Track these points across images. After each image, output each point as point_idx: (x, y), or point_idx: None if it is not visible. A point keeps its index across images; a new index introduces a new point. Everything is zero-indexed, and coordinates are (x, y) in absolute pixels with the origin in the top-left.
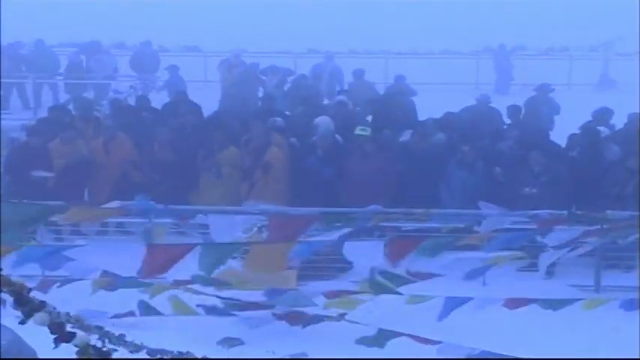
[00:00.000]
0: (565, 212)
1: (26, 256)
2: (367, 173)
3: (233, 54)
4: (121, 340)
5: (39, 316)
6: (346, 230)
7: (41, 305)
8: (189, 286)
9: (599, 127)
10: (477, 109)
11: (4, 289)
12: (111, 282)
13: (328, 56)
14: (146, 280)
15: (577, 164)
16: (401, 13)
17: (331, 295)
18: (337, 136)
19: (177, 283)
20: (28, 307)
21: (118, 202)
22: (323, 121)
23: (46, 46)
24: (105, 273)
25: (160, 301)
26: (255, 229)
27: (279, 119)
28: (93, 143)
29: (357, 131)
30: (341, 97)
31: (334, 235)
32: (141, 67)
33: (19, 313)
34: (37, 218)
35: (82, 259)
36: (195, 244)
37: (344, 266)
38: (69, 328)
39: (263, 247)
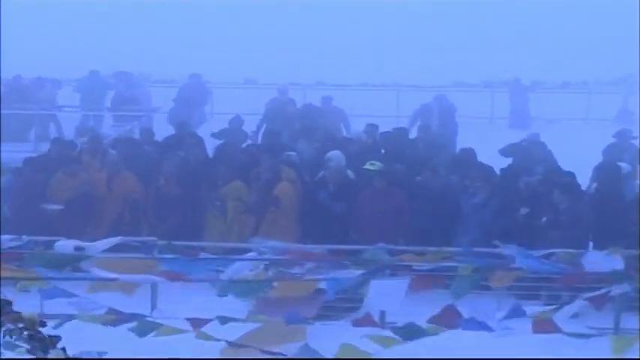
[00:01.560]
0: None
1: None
2: (377, 210)
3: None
4: None
5: (55, 352)
6: (359, 271)
7: (54, 341)
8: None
9: (619, 164)
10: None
11: (16, 325)
12: (117, 319)
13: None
14: (155, 319)
15: (597, 202)
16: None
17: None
18: (349, 171)
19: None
20: (40, 343)
21: (120, 237)
22: (335, 155)
23: (100, 76)
24: (111, 310)
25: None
26: (262, 266)
27: (293, 154)
28: (96, 177)
29: (367, 166)
30: (356, 132)
31: (347, 275)
32: (188, 100)
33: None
34: (65, 265)
35: (86, 295)
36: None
37: (353, 306)
38: None
39: (287, 285)
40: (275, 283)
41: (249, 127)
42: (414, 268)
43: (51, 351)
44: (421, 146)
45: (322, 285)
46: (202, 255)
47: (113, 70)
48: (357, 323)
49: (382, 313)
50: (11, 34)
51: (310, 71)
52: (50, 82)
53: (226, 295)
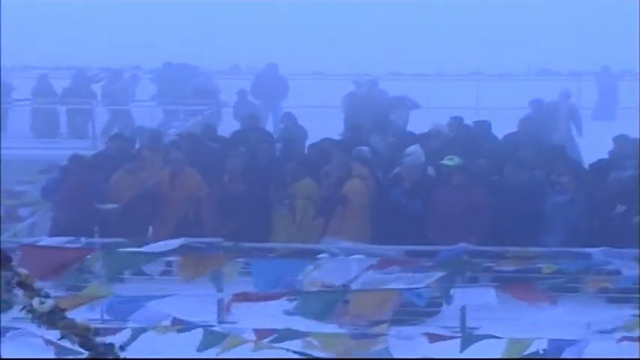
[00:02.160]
0: None
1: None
2: (456, 208)
3: (366, 81)
4: None
5: None
6: (438, 274)
7: (109, 349)
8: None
9: None
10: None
11: (69, 332)
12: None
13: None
14: (220, 329)
15: None
16: (491, 33)
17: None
18: (430, 168)
19: (258, 334)
20: (94, 351)
21: (183, 239)
22: (413, 150)
23: (176, 67)
24: (175, 320)
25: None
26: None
27: (365, 148)
28: (159, 176)
29: (444, 161)
30: (436, 125)
31: (422, 278)
32: (264, 93)
33: None
34: (129, 267)
35: (150, 305)
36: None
37: (432, 310)
38: None
39: (366, 294)
40: (351, 295)
41: (310, 121)
42: (497, 270)
43: None
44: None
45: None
46: (270, 256)
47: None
48: (433, 339)
49: (462, 319)
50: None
51: (384, 62)
52: (128, 73)
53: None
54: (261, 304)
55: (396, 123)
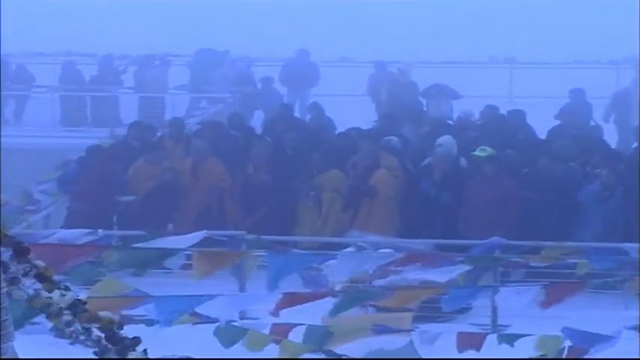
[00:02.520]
0: None
1: None
2: (487, 200)
3: (400, 69)
4: None
5: (134, 354)
6: (464, 268)
7: (135, 342)
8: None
9: None
10: None
11: (94, 325)
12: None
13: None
14: (239, 324)
15: None
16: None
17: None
18: (462, 159)
19: (277, 331)
20: (120, 344)
21: (205, 231)
22: (445, 141)
23: (213, 52)
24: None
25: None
26: (370, 269)
27: (394, 138)
28: (180, 166)
29: (476, 152)
30: (463, 113)
31: (450, 272)
32: (294, 80)
33: None
34: (150, 263)
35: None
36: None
37: (462, 307)
38: None
39: (406, 294)
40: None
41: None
42: (530, 265)
43: (131, 353)
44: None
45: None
46: (294, 250)
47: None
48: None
49: (493, 317)
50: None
51: (414, 48)
52: (160, 59)
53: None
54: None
55: (434, 113)
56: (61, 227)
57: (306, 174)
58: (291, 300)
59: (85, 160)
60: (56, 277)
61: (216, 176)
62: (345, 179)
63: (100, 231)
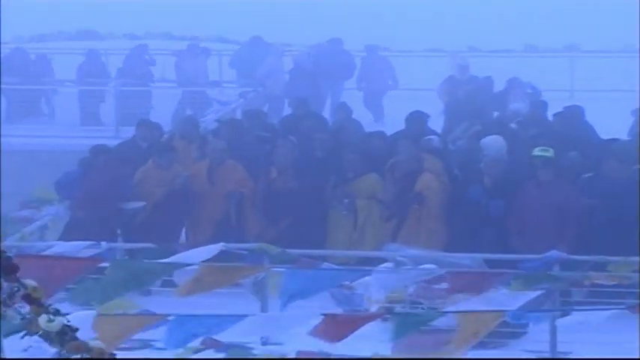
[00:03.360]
0: None
1: None
2: (545, 209)
3: (459, 67)
4: None
5: None
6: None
7: None
8: None
9: None
10: None
11: (83, 355)
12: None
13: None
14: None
15: None
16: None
17: None
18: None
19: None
20: None
21: (222, 244)
22: (494, 141)
23: (264, 44)
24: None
25: None
26: (410, 287)
27: (434, 138)
28: (194, 169)
29: (536, 152)
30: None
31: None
32: (326, 72)
33: None
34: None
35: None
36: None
37: (516, 331)
38: None
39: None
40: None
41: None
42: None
43: None
44: None
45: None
46: (325, 266)
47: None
48: None
49: (552, 343)
50: None
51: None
52: (201, 50)
53: None
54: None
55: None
56: (59, 239)
57: (338, 178)
58: (335, 323)
59: (88, 162)
60: (56, 295)
61: (235, 181)
62: (382, 184)
63: (103, 243)
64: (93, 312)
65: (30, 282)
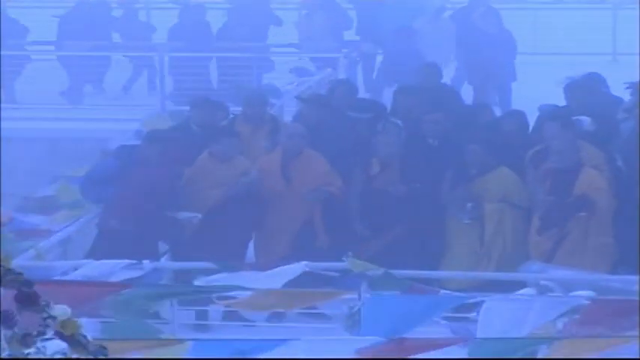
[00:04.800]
0: None
1: None
2: None
3: None
4: None
5: None
6: None
7: None
8: None
9: None
10: None
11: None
12: None
13: None
14: None
15: None
16: None
17: None
18: None
19: None
20: None
21: (305, 262)
22: None
23: None
24: None
25: None
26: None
27: (586, 119)
28: (264, 162)
29: None
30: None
31: None
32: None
33: None
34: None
35: None
36: None
37: None
38: None
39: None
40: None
41: None
42: None
43: None
44: None
45: None
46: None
47: None
48: None
49: None
50: None
51: None
52: None
53: None
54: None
55: None
56: (88, 257)
57: (458, 176)
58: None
59: (130, 152)
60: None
61: (319, 178)
62: (519, 182)
63: (146, 262)
64: None
65: (62, 309)
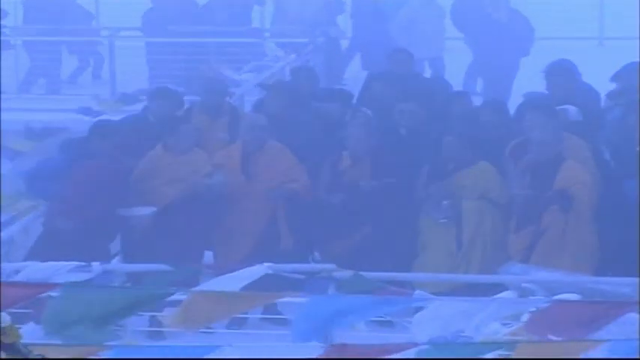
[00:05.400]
0: None
1: None
2: None
3: None
4: None
5: None
6: None
7: None
8: None
9: None
10: None
11: None
12: None
13: None
14: None
15: None
16: None
17: None
18: None
19: None
20: None
21: (268, 264)
22: None
23: None
24: None
25: None
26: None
27: (571, 108)
28: (221, 157)
29: None
30: None
31: None
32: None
33: None
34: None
35: None
36: None
37: None
38: None
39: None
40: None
41: None
42: None
43: None
44: None
45: None
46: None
47: None
48: None
49: None
50: None
51: None
52: None
53: None
54: None
55: None
56: (31, 258)
57: (434, 170)
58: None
59: (78, 145)
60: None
61: (284, 173)
62: (499, 178)
63: (95, 264)
64: None
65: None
